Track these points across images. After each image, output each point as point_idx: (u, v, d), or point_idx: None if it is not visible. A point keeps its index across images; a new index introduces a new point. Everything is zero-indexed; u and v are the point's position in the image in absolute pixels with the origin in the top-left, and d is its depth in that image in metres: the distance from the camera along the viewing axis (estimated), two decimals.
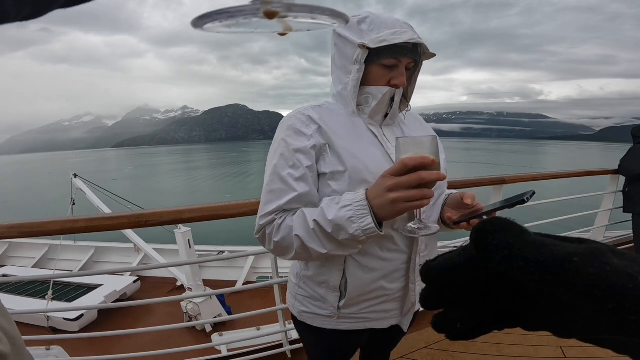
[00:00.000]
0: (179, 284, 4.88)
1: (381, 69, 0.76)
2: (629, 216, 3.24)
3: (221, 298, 4.30)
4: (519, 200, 0.62)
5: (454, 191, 0.89)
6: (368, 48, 0.72)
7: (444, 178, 0.62)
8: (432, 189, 0.67)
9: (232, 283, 4.93)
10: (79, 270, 5.34)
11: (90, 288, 4.68)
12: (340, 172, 0.75)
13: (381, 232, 0.67)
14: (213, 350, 2.80)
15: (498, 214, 0.68)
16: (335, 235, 0.68)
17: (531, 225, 2.55)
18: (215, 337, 3.12)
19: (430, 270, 0.23)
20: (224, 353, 1.99)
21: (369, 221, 0.66)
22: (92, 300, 4.34)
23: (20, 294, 4.64)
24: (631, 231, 3.55)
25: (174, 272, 4.77)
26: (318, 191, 0.77)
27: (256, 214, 0.79)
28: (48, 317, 3.98)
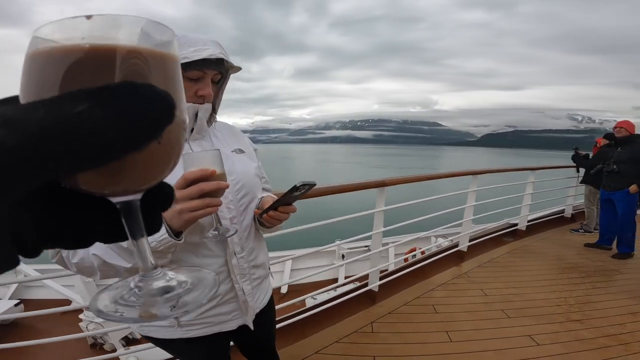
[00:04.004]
0: (74, 305, 4.19)
1: (187, 82, 0.79)
2: (490, 210, 4.06)
3: None
4: (293, 189, 0.75)
5: (267, 194, 1.00)
6: None
7: (226, 187, 0.69)
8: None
9: None
10: None
11: None
12: None
13: (178, 240, 0.71)
14: None
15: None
16: (132, 248, 0.69)
17: (410, 222, 2.91)
18: (122, 352, 2.81)
19: None
20: None
21: (162, 232, 0.68)
22: None
23: None
24: (487, 225, 4.42)
25: (64, 292, 4.07)
26: None
27: None
28: None
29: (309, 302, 3.46)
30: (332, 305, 2.45)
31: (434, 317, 2.45)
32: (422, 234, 3.85)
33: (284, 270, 5.92)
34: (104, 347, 3.48)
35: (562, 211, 5.35)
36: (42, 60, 0.16)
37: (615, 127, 3.93)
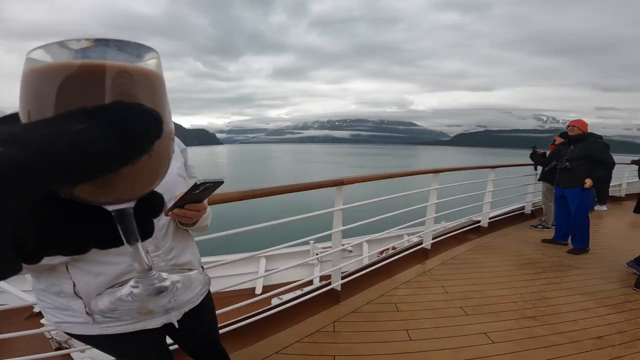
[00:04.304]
0: (36, 310, 3.97)
1: None
2: (454, 207, 4.14)
3: None
4: (194, 186, 0.74)
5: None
6: None
7: None
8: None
9: None
10: None
11: None
12: None
13: None
14: None
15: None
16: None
17: (372, 221, 2.90)
18: (76, 355, 2.66)
19: None
20: None
21: None
22: None
23: None
24: (451, 222, 4.50)
25: (24, 297, 3.82)
26: None
27: None
28: None
29: (275, 302, 3.42)
30: (295, 304, 2.42)
31: (396, 316, 2.45)
32: (393, 231, 3.84)
33: (258, 270, 5.89)
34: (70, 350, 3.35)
35: (523, 208, 5.58)
36: (38, 78, 0.18)
37: (568, 126, 4.04)
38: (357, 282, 2.82)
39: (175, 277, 0.27)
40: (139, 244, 0.24)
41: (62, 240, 0.21)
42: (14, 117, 0.19)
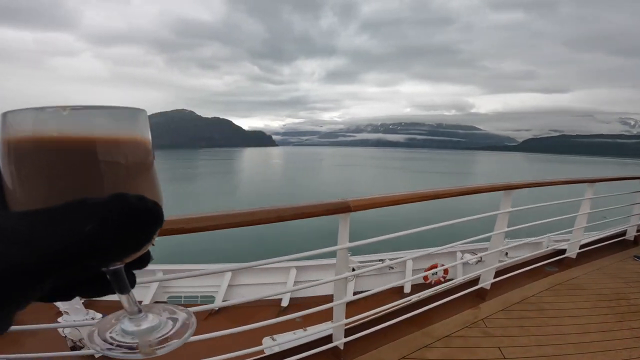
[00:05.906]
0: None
1: None
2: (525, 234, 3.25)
3: None
4: None
5: None
6: None
7: None
8: None
9: None
10: None
11: None
12: None
13: None
14: None
15: None
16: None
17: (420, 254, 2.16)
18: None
19: None
20: None
21: None
22: None
23: None
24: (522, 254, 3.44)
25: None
26: None
27: None
28: None
29: (266, 342, 2.88)
30: None
31: None
32: (445, 248, 2.88)
33: (287, 281, 5.57)
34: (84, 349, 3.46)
35: (623, 233, 4.20)
36: (25, 149, 0.18)
37: None
38: (371, 334, 2.02)
39: (160, 317, 0.27)
40: (131, 292, 0.25)
41: (54, 293, 0.23)
42: None
